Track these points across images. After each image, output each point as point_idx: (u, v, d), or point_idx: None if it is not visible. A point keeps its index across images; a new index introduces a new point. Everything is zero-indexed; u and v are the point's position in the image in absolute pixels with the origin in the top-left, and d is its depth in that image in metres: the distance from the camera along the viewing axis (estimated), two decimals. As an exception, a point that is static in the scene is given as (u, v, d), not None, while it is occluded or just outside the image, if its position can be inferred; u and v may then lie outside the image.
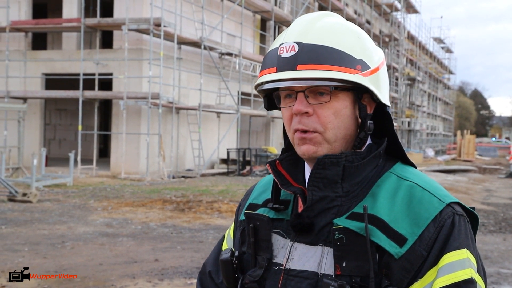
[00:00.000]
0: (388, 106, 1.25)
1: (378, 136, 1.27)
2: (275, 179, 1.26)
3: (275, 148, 24.09)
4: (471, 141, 38.58)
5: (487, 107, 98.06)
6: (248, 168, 19.58)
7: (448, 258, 1.11)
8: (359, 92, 1.20)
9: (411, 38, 47.05)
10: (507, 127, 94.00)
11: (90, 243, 7.74)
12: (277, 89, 1.23)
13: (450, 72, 67.40)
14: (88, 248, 7.43)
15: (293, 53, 1.16)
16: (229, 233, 1.44)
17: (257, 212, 1.30)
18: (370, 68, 1.19)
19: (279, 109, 1.27)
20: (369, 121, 1.20)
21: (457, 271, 1.10)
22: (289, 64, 1.16)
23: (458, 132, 44.04)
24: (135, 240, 8.02)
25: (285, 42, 1.18)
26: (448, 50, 64.38)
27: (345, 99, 1.19)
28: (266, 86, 1.21)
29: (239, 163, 19.64)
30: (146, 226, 9.16)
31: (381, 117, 1.26)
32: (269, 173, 1.33)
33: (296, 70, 1.15)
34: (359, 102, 1.20)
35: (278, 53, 1.18)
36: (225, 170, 20.01)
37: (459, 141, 39.87)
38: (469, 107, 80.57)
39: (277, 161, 1.28)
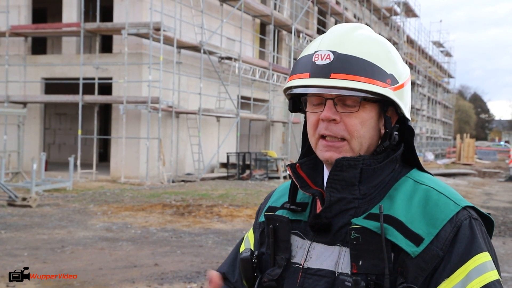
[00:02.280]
0: (409, 120, 1.30)
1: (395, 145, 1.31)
2: (295, 181, 1.30)
3: (275, 152, 24.09)
4: (470, 145, 38.58)
5: (486, 110, 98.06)
6: (248, 172, 19.56)
7: (477, 260, 1.14)
8: (384, 105, 1.24)
9: (410, 42, 47.11)
10: (507, 131, 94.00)
11: (89, 248, 7.74)
12: (305, 94, 1.27)
13: (450, 76, 67.46)
14: (88, 253, 7.43)
15: (328, 61, 1.20)
16: (248, 236, 1.48)
17: (276, 213, 1.34)
18: (398, 83, 1.24)
19: (302, 111, 1.31)
20: (395, 133, 1.26)
21: (488, 271, 1.14)
22: (323, 71, 1.19)
23: (458, 136, 44.06)
24: (135, 245, 8.02)
25: (320, 50, 1.22)
26: (448, 54, 64.44)
27: (371, 110, 1.23)
28: (298, 91, 1.25)
29: (239, 167, 19.63)
30: (146, 230, 9.16)
31: (401, 129, 1.30)
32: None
33: (329, 78, 1.19)
34: (384, 114, 1.25)
35: (313, 60, 1.22)
36: (225, 174, 20.00)
37: (459, 145, 39.87)
38: (469, 111, 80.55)
39: (297, 164, 1.32)
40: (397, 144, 1.29)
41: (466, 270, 1.13)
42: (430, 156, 41.73)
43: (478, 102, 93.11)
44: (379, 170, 1.23)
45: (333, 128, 1.21)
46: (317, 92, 1.22)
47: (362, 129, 1.21)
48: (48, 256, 7.20)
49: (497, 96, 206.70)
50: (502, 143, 71.03)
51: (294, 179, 1.30)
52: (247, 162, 20.13)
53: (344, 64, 1.18)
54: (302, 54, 1.27)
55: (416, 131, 44.44)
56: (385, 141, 1.25)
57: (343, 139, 1.22)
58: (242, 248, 1.46)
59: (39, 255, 7.21)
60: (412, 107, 43.69)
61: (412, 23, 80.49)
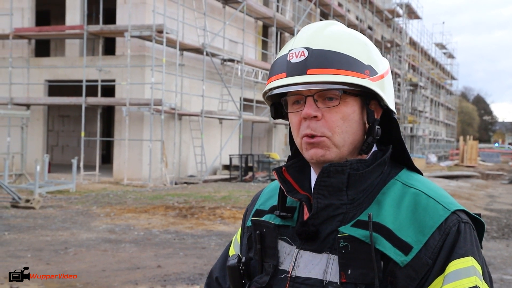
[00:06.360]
0: (394, 113, 1.26)
1: (383, 143, 1.28)
2: (281, 186, 1.26)
3: (278, 154, 24.10)
4: (473, 147, 38.52)
5: (489, 112, 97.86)
6: (250, 174, 19.58)
7: (454, 266, 1.11)
8: (366, 98, 1.21)
9: (413, 44, 47.10)
10: (510, 133, 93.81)
11: (93, 249, 7.75)
12: (285, 95, 1.23)
13: (453, 78, 67.43)
14: (91, 255, 7.45)
15: (302, 58, 1.17)
16: (236, 238, 1.45)
17: (263, 218, 1.30)
18: (377, 73, 1.20)
19: (285, 117, 1.27)
20: (377, 126, 1.22)
21: (462, 279, 1.10)
22: (299, 68, 1.16)
23: (461, 138, 43.97)
24: (138, 247, 8.03)
25: (294, 48, 1.19)
26: (450, 56, 64.42)
27: (353, 104, 1.19)
28: (276, 91, 1.21)
29: (242, 169, 19.64)
30: (149, 232, 9.17)
31: (387, 124, 1.26)
32: (273, 179, 1.34)
33: (306, 74, 1.15)
34: (367, 108, 1.21)
35: (288, 59, 1.19)
36: (228, 176, 20.01)
37: (462, 147, 39.80)
38: (472, 113, 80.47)
39: (283, 168, 1.28)
40: (385, 143, 1.26)
41: (443, 276, 1.11)
42: (433, 158, 41.69)
43: (481, 104, 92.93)
44: (367, 174, 1.19)
45: (314, 126, 1.17)
46: (295, 90, 1.17)
47: (344, 124, 1.18)
48: (51, 257, 7.22)
49: (501, 98, 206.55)
50: (506, 145, 70.83)
51: (280, 183, 1.26)
52: (250, 164, 20.14)
53: (319, 59, 1.15)
54: (277, 56, 1.24)
55: (419, 133, 44.39)
56: (369, 137, 1.21)
57: (324, 135, 1.18)
58: (231, 252, 1.43)
59: (42, 257, 7.23)
60: (415, 109, 43.74)
61: (414, 25, 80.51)
